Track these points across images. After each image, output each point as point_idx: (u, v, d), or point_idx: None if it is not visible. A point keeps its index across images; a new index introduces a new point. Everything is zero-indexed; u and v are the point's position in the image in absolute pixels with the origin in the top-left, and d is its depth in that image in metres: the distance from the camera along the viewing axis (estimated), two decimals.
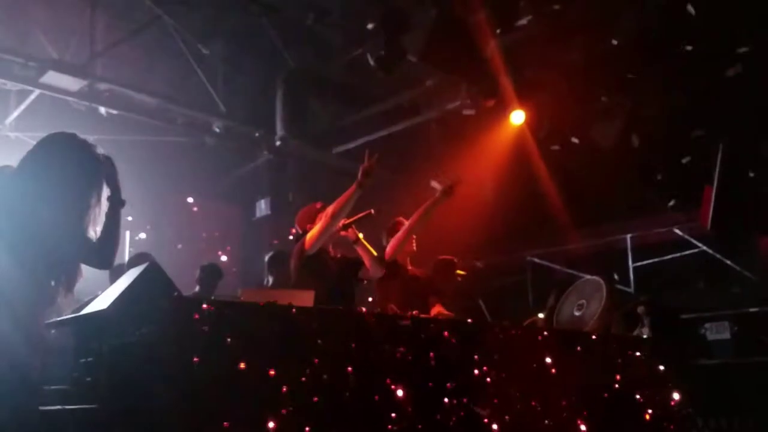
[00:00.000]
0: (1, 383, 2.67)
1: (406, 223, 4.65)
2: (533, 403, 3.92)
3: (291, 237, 4.92)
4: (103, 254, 3.07)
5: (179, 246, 7.87)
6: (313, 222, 4.34)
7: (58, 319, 3.07)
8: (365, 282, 4.64)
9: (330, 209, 4.16)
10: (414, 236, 4.71)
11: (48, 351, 2.87)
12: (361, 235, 4.41)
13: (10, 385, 2.68)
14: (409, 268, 4.79)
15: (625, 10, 6.41)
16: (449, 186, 4.58)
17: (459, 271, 5.32)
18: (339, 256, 4.51)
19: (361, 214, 4.36)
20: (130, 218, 7.49)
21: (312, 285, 3.88)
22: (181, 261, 7.71)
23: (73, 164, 3.00)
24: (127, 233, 7.73)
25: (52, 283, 2.95)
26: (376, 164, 4.19)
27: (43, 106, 6.79)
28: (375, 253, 4.44)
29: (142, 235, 7.92)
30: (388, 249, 4.60)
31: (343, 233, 4.37)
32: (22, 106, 6.87)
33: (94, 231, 3.05)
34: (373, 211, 4.35)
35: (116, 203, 3.17)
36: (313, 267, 4.22)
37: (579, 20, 6.47)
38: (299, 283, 4.19)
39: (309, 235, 4.23)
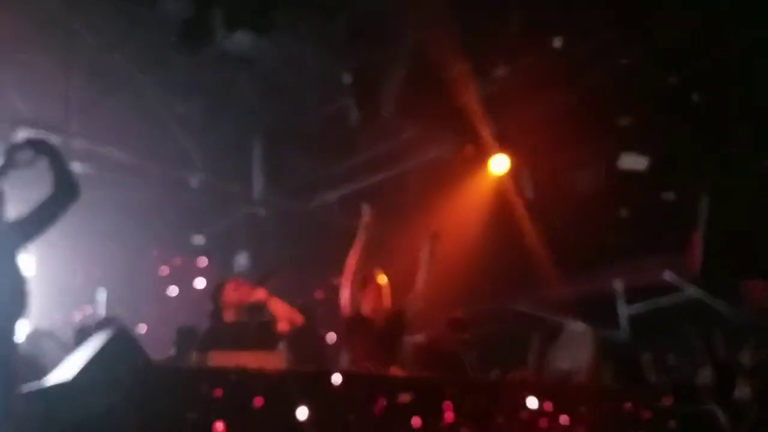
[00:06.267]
0: None
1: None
2: None
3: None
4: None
5: (153, 303, 7.70)
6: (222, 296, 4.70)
7: (26, 390, 2.96)
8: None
9: None
10: (387, 292, 4.66)
11: (18, 421, 2.75)
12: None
13: None
14: (379, 320, 4.67)
15: (597, 63, 6.45)
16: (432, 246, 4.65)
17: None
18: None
19: (265, 277, 4.57)
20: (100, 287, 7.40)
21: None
22: (158, 316, 7.53)
23: None
24: (102, 292, 7.57)
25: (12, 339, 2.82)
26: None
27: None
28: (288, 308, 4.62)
29: (112, 295, 7.77)
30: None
31: (254, 299, 4.58)
32: None
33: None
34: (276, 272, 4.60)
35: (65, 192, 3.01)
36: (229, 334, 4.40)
37: (554, 71, 6.50)
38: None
39: None
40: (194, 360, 4.17)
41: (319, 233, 7.44)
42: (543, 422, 4.06)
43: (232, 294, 4.63)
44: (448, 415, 3.66)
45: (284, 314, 4.57)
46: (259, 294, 4.58)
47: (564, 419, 4.20)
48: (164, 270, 7.90)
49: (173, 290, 7.88)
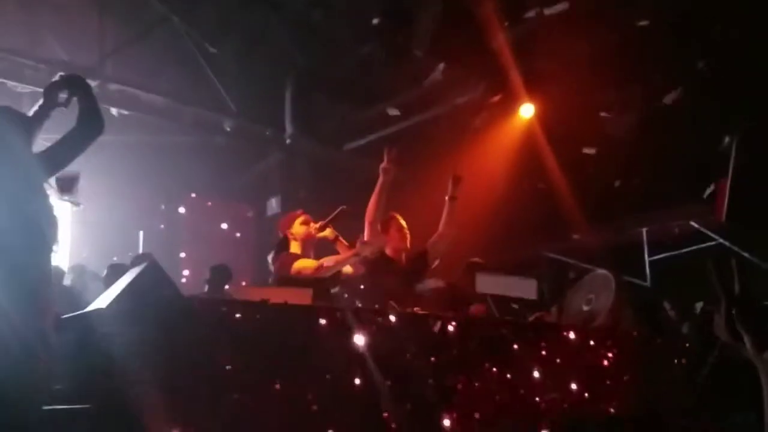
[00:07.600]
0: (4, 384, 2.65)
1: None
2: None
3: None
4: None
5: (190, 245, 7.92)
6: (291, 227, 4.53)
7: (60, 317, 3.11)
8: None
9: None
10: (407, 233, 4.70)
11: (52, 347, 2.85)
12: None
13: (13, 385, 2.67)
14: (401, 261, 4.72)
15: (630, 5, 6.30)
16: (454, 188, 4.65)
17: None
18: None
19: (334, 213, 4.45)
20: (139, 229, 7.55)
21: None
22: (192, 260, 7.78)
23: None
24: (141, 233, 7.81)
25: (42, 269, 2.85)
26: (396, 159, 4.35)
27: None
28: (354, 250, 4.47)
29: (159, 228, 8.02)
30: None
31: (321, 235, 4.47)
32: (35, 108, 6.93)
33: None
34: (345, 207, 4.44)
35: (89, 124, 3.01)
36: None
37: (587, 12, 6.36)
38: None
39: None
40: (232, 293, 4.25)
41: (349, 178, 7.47)
42: (563, 360, 4.13)
43: (299, 228, 4.51)
44: (470, 355, 3.73)
45: (350, 254, 4.45)
46: (327, 232, 4.50)
47: (584, 359, 4.25)
48: (207, 206, 8.08)
49: (208, 231, 8.12)
